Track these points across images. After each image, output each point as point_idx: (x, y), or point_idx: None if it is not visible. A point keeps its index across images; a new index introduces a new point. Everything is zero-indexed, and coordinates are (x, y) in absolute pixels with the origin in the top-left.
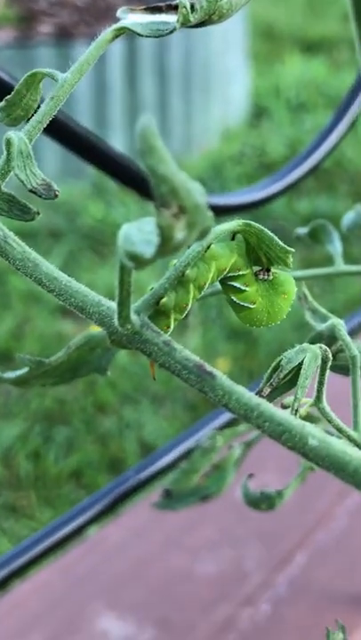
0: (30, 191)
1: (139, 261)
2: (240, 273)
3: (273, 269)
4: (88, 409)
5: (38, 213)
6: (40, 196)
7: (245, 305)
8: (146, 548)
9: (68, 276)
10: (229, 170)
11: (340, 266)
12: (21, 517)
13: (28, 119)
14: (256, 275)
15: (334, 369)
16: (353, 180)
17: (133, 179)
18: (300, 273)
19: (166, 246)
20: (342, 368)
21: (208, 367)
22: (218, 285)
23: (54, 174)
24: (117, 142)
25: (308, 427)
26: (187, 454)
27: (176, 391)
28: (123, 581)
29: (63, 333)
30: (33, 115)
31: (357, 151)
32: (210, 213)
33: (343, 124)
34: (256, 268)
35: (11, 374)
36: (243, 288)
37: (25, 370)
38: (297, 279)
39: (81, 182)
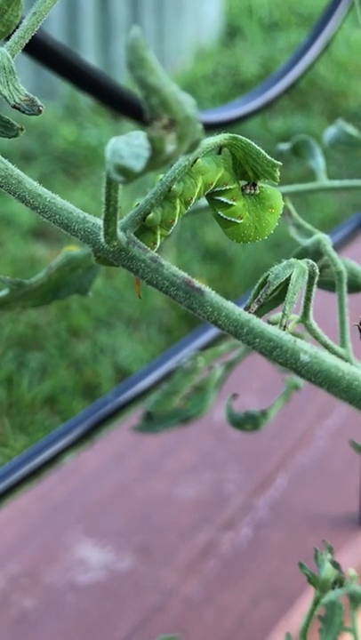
0: (14, 107)
1: (128, 175)
2: (227, 187)
3: (260, 184)
4: (62, 334)
5: (22, 129)
6: (24, 112)
7: (232, 220)
8: (124, 474)
9: None
10: (203, 89)
11: (323, 181)
12: None
13: (9, 36)
14: (243, 189)
15: (320, 285)
16: (327, 99)
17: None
18: (283, 189)
19: (156, 159)
20: (328, 284)
21: (196, 283)
22: (200, 203)
23: None
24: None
25: (300, 342)
26: (166, 377)
27: (151, 314)
28: (101, 508)
29: (36, 257)
30: (14, 31)
31: (331, 70)
32: (200, 126)
33: (318, 44)
34: (243, 183)
35: None
36: (230, 203)
37: (5, 291)
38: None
39: (53, 103)
